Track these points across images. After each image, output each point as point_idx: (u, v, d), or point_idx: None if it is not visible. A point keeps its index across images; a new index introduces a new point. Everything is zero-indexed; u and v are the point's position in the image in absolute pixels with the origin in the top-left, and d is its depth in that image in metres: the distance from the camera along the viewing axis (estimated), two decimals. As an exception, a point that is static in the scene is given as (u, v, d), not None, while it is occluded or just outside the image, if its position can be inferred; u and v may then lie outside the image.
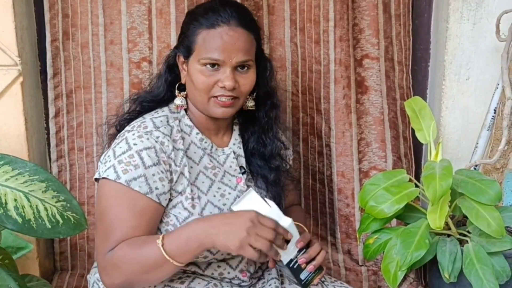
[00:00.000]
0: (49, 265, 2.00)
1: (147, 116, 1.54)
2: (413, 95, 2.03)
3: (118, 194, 1.43)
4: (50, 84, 1.95)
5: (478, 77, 1.91)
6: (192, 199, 1.49)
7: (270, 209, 1.41)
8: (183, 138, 1.54)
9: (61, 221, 1.32)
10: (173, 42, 1.91)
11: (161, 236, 1.36)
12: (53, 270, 2.02)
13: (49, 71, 1.94)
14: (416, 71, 2.08)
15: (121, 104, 1.76)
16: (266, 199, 1.43)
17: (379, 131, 2.00)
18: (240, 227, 1.32)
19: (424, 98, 2.02)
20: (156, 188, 1.45)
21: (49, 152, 1.99)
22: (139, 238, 1.40)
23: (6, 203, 1.27)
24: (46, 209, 1.31)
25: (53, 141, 1.98)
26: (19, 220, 1.26)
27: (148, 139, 1.46)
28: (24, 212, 1.27)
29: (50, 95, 1.96)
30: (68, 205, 1.35)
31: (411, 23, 2.03)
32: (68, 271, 2.01)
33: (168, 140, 1.49)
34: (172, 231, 1.40)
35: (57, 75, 1.95)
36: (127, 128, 1.52)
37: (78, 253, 2.02)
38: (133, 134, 1.47)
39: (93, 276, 1.60)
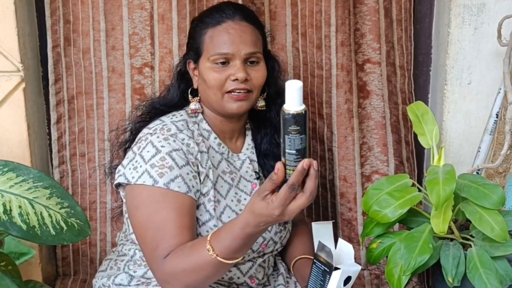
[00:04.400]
0: (51, 270, 2.00)
1: (166, 120, 1.55)
2: (415, 100, 2.03)
3: (159, 198, 1.42)
4: (51, 90, 1.95)
5: (479, 82, 1.92)
6: (214, 202, 1.50)
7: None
8: (203, 142, 1.55)
9: (65, 228, 1.32)
10: (175, 47, 1.92)
11: (208, 243, 1.32)
12: (55, 275, 2.02)
13: (51, 77, 1.94)
14: (417, 75, 2.08)
15: (133, 108, 1.77)
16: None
17: (381, 136, 2.00)
18: (277, 221, 1.28)
19: (426, 103, 2.03)
20: (193, 186, 1.46)
21: (51, 158, 1.99)
22: (185, 246, 1.37)
23: (10, 210, 1.26)
24: (50, 215, 1.30)
25: (55, 147, 1.98)
26: (24, 227, 1.26)
27: (174, 141, 1.48)
28: (28, 219, 1.27)
29: (52, 101, 1.96)
30: (72, 211, 1.35)
31: (412, 28, 2.03)
32: (71, 277, 2.01)
33: (193, 142, 1.50)
34: (217, 234, 1.34)
35: (59, 81, 1.95)
36: (148, 131, 1.52)
37: (81, 258, 2.02)
38: (158, 137, 1.48)
39: (99, 281, 1.60)
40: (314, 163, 1.21)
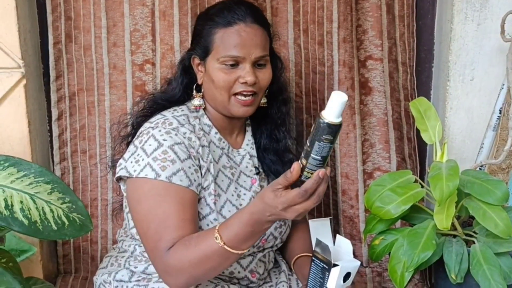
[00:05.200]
0: (52, 268, 1.99)
1: (168, 114, 1.55)
2: (417, 96, 2.03)
3: (161, 191, 1.43)
4: (53, 87, 1.95)
5: (482, 78, 1.91)
6: (214, 195, 1.50)
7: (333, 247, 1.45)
8: (204, 136, 1.55)
9: (66, 223, 1.31)
10: (176, 44, 1.91)
11: (216, 231, 1.34)
12: (56, 273, 2.02)
13: (52, 73, 1.94)
14: (420, 72, 2.08)
15: (134, 103, 1.77)
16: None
17: (383, 132, 1.99)
18: (280, 216, 1.30)
19: (428, 99, 2.02)
20: (194, 180, 1.47)
21: (52, 154, 1.99)
22: (192, 237, 1.38)
23: (12, 205, 1.26)
24: (52, 210, 1.30)
25: (56, 144, 1.98)
26: (25, 222, 1.25)
27: (176, 134, 1.48)
28: (30, 214, 1.26)
29: (53, 97, 1.95)
30: (74, 206, 1.34)
31: (414, 24, 2.03)
32: (72, 274, 2.00)
33: (195, 136, 1.51)
34: (225, 222, 1.36)
35: (60, 78, 1.95)
36: (149, 125, 1.52)
37: (82, 256, 2.01)
38: (160, 131, 1.48)
39: (100, 278, 1.60)
40: (328, 170, 1.26)
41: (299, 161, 1.27)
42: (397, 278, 1.54)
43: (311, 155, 1.24)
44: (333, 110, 1.20)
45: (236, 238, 1.32)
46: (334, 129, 1.21)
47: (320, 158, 1.24)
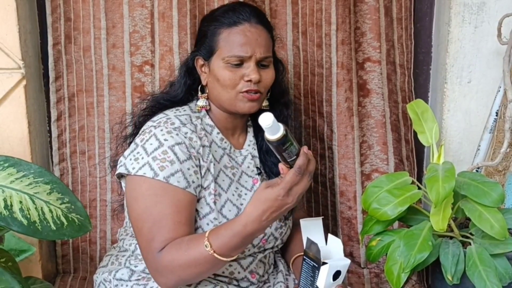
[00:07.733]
0: (51, 268, 2.00)
1: (170, 114, 1.56)
2: (415, 98, 2.04)
3: (158, 191, 1.44)
4: (52, 88, 1.96)
5: (480, 80, 1.92)
6: (214, 195, 1.52)
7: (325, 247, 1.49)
8: (206, 136, 1.56)
9: (65, 223, 1.32)
10: (175, 45, 1.92)
11: (206, 239, 1.36)
12: (55, 273, 2.02)
13: (51, 74, 1.95)
14: (417, 74, 2.09)
15: (135, 104, 1.79)
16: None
17: (381, 134, 2.00)
18: (283, 207, 1.34)
19: (426, 101, 2.04)
20: (193, 182, 1.48)
21: (52, 155, 2.00)
22: (183, 240, 1.40)
23: (11, 205, 1.27)
24: (51, 211, 1.31)
25: (55, 144, 1.99)
26: (25, 222, 1.26)
27: (177, 134, 1.49)
28: (29, 214, 1.27)
29: (52, 98, 1.96)
30: (73, 207, 1.35)
31: (412, 27, 2.04)
32: (71, 274, 2.01)
33: (196, 136, 1.52)
34: (216, 231, 1.39)
35: (59, 79, 1.96)
36: (152, 124, 1.53)
37: (81, 256, 2.02)
38: (161, 130, 1.49)
39: (100, 276, 1.61)
40: (305, 147, 1.35)
41: (283, 164, 1.36)
42: (394, 279, 1.55)
43: (288, 160, 1.33)
44: (273, 130, 1.28)
45: (226, 247, 1.36)
46: (285, 139, 1.29)
47: (295, 156, 1.33)
